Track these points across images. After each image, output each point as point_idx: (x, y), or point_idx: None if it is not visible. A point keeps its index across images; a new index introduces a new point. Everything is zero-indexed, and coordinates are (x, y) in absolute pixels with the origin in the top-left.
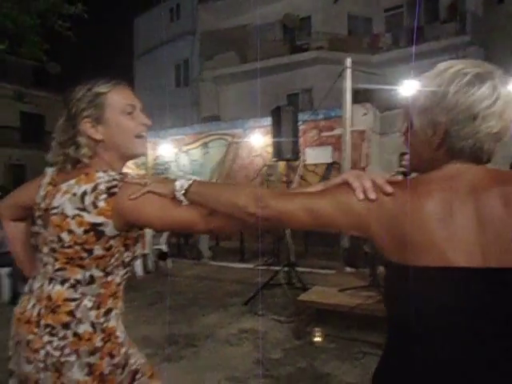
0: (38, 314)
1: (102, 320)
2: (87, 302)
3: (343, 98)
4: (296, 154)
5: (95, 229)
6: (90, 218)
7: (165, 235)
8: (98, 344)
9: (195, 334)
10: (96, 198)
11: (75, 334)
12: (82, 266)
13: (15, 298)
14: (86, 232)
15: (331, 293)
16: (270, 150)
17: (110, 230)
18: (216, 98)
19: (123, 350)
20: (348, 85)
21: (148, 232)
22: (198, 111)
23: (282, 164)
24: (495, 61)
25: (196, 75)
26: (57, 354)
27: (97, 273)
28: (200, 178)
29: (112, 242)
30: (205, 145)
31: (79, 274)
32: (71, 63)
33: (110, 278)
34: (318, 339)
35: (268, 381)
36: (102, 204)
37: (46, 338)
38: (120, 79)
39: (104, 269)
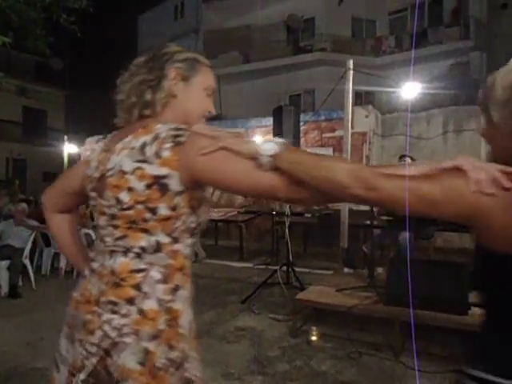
0: (99, 292)
1: (168, 297)
2: (155, 273)
3: (345, 99)
4: None
5: (158, 182)
6: (153, 169)
7: None
8: (161, 326)
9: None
10: (159, 147)
11: (140, 311)
12: (145, 231)
13: (13, 290)
14: (147, 187)
15: (329, 292)
16: None
17: (175, 183)
18: (219, 96)
19: (183, 345)
20: (350, 87)
21: None
22: None
23: None
24: (497, 66)
25: None
26: (113, 334)
27: (163, 238)
28: None
29: (177, 199)
30: None
31: (143, 241)
32: (74, 59)
33: (176, 247)
34: (314, 338)
35: (264, 378)
36: (166, 153)
37: (106, 316)
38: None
39: (170, 233)
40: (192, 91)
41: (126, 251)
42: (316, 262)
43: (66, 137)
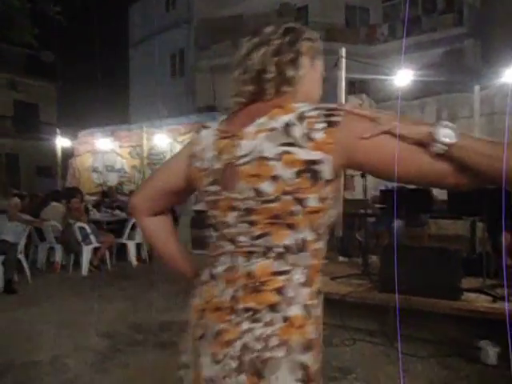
0: (233, 298)
1: (313, 302)
2: (299, 276)
3: (338, 88)
4: None
5: (311, 169)
6: (304, 153)
7: None
8: (312, 336)
9: (187, 322)
10: (310, 127)
11: (285, 319)
12: (291, 226)
13: (8, 285)
14: (298, 174)
15: (323, 281)
16: None
17: (327, 170)
18: (212, 88)
19: (321, 355)
20: (342, 75)
21: None
22: (194, 101)
23: None
24: (491, 53)
25: (192, 65)
26: (258, 346)
27: (309, 235)
28: None
29: (327, 189)
30: None
31: (288, 238)
32: (65, 52)
33: (319, 244)
34: None
35: None
36: (319, 135)
37: (246, 326)
38: (115, 67)
39: (316, 229)
40: (314, 73)
41: (267, 251)
42: None
43: (58, 130)
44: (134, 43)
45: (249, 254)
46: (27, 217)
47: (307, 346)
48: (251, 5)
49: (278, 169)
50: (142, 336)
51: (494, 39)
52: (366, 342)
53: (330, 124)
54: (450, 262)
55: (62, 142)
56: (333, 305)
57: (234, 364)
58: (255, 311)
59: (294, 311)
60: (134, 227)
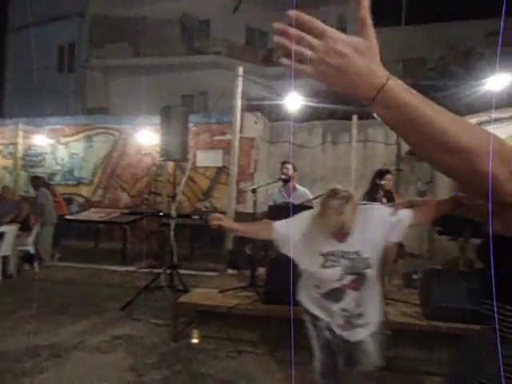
0: None
1: None
2: None
3: (233, 104)
4: (184, 155)
5: None
6: None
7: (33, 234)
8: None
9: (61, 344)
10: None
11: None
12: None
13: None
14: None
15: (212, 294)
16: None
17: None
18: (105, 89)
19: None
20: (238, 92)
21: (11, 230)
22: (83, 101)
23: (171, 164)
24: None
25: (83, 62)
26: None
27: None
28: (80, 173)
29: None
30: (88, 138)
31: None
32: None
33: None
34: (195, 340)
35: None
36: None
37: None
38: None
39: None
40: None
41: None
42: (203, 264)
43: None
44: (14, 28)
45: None
46: None
47: None
48: (154, 9)
49: None
50: (4, 364)
51: None
52: (249, 353)
53: None
54: None
55: None
56: (220, 318)
57: None
58: None
59: None
60: (0, 237)
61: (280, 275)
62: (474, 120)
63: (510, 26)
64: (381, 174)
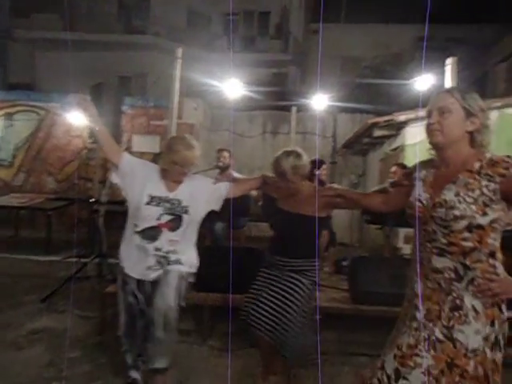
0: None
1: None
2: None
3: (171, 88)
4: (117, 138)
5: None
6: None
7: None
8: None
9: None
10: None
11: None
12: None
13: None
14: None
15: None
16: None
17: None
18: (31, 63)
19: None
20: (177, 75)
21: None
22: (4, 75)
23: None
24: (308, 81)
25: (3, 32)
26: None
27: None
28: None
29: None
30: (9, 116)
31: None
32: None
33: None
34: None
35: (60, 383)
36: None
37: None
38: None
39: None
40: None
41: None
42: None
43: None
44: None
45: None
46: None
47: None
48: None
49: None
50: None
51: (310, 69)
52: (182, 342)
53: None
54: (252, 259)
55: None
56: None
57: None
58: None
59: None
60: None
61: (213, 263)
62: (402, 117)
63: (435, 33)
64: (316, 163)
